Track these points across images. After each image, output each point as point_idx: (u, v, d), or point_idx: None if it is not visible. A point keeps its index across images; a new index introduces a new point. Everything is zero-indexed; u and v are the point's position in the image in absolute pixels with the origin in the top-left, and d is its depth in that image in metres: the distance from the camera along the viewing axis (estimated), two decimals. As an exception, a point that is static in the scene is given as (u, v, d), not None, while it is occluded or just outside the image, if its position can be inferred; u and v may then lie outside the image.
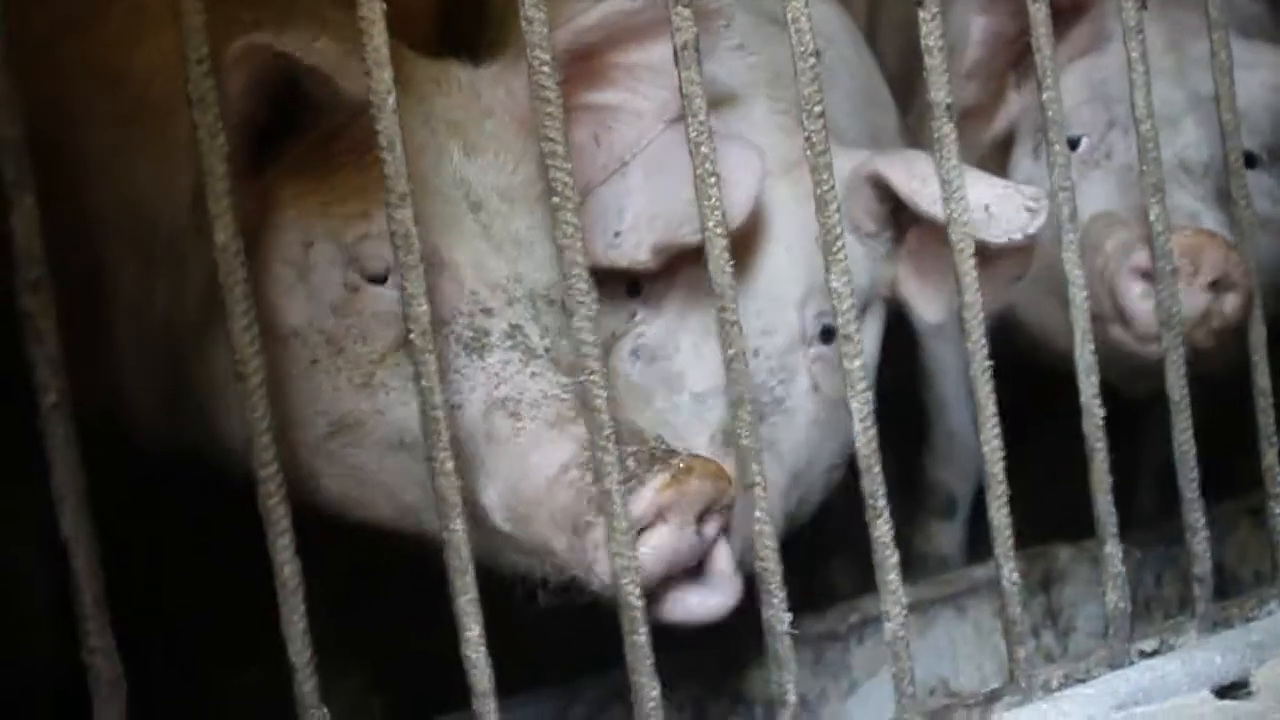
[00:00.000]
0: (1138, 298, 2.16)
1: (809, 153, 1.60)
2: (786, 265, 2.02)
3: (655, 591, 1.62)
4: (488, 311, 1.74)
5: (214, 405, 1.82)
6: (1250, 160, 2.10)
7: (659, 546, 1.60)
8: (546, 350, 1.73)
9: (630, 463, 1.59)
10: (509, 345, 1.73)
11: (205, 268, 1.58)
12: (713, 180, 1.54)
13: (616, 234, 1.97)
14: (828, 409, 2.02)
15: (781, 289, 2.01)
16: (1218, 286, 2.14)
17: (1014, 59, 2.40)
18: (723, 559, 1.69)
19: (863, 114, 2.35)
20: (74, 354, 1.31)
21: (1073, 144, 2.36)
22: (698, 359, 1.98)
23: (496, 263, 1.77)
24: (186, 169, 1.68)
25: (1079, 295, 1.78)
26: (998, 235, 1.86)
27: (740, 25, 2.16)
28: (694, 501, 1.61)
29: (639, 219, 1.96)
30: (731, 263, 1.57)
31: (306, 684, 1.45)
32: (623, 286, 2.03)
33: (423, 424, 1.46)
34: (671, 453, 1.63)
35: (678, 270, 1.99)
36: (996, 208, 1.88)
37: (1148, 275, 2.10)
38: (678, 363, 1.99)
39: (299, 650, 1.44)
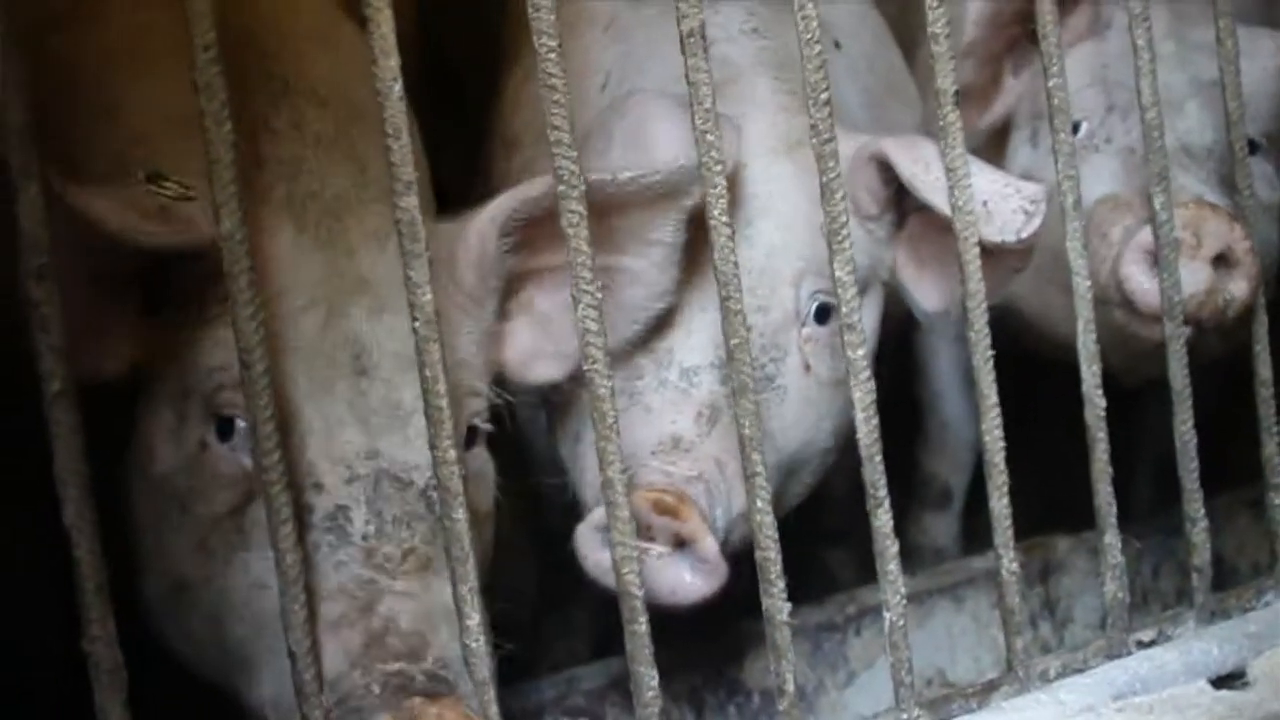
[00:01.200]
0: (1142, 278, 2.16)
1: (814, 140, 1.60)
2: (782, 242, 2.00)
3: None
4: (318, 487, 1.63)
5: None
6: (1251, 147, 2.09)
7: None
8: (364, 539, 1.62)
9: (375, 688, 1.51)
10: (326, 528, 1.62)
11: None
12: (718, 169, 1.53)
13: None
14: (819, 389, 2.01)
15: (777, 266, 2.00)
16: (1222, 263, 2.14)
17: (1011, 44, 2.40)
18: None
19: (882, 107, 2.34)
20: None
21: (1073, 128, 2.36)
22: (687, 335, 1.96)
23: (353, 435, 1.66)
24: None
25: (1082, 283, 1.78)
26: (992, 235, 1.84)
27: (759, 13, 2.16)
28: None
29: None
30: (735, 253, 1.57)
31: (307, 672, 1.45)
32: None
33: (427, 412, 1.46)
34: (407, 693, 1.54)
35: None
36: (994, 205, 1.87)
37: (1152, 256, 2.10)
38: (668, 338, 1.97)
39: (299, 639, 1.44)
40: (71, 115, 1.80)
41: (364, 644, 1.53)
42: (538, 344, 1.86)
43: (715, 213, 1.55)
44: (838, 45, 2.27)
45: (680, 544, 1.81)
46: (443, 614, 1.57)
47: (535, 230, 1.78)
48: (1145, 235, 2.10)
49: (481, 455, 1.77)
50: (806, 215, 1.96)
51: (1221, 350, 2.15)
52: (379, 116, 1.41)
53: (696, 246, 1.82)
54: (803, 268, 2.00)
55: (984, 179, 1.86)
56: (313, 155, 1.78)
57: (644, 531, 1.75)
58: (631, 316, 1.89)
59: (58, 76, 1.81)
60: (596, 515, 1.79)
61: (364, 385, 1.68)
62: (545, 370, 1.87)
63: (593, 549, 1.83)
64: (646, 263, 1.86)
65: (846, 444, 1.91)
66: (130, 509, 1.74)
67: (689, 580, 1.81)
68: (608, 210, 1.75)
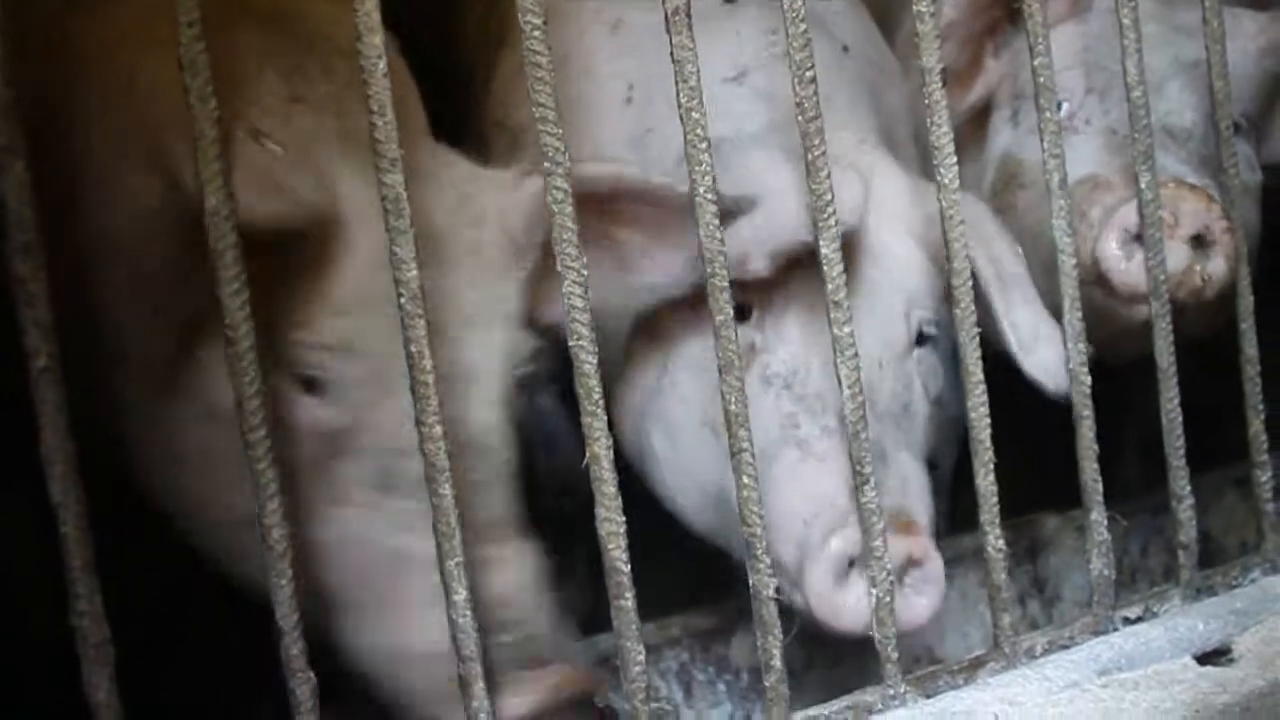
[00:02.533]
0: (1120, 259, 2.17)
1: (800, 118, 1.60)
2: (886, 277, 2.02)
3: None
4: (399, 452, 1.65)
5: None
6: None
7: None
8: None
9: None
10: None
11: None
12: (704, 146, 1.53)
13: None
14: (933, 405, 2.06)
15: (890, 300, 2.02)
16: (1200, 243, 2.15)
17: (990, 25, 2.39)
18: None
19: (884, 101, 2.33)
20: None
21: (1055, 108, 2.37)
22: (833, 379, 1.94)
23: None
24: None
25: (1068, 262, 1.78)
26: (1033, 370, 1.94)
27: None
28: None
29: (743, 229, 1.90)
30: (719, 230, 1.57)
31: (294, 647, 1.45)
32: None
33: (413, 388, 1.46)
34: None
35: (789, 291, 1.97)
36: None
37: (1132, 236, 2.11)
38: (812, 385, 1.95)
39: (286, 614, 1.45)
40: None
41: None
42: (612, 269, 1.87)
43: (701, 190, 1.55)
44: (846, 50, 2.27)
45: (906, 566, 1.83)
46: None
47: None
48: (1123, 215, 2.11)
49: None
50: (891, 246, 2.02)
51: (1204, 329, 2.15)
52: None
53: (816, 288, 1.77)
54: (909, 296, 2.03)
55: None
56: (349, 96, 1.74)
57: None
58: (638, 296, 1.93)
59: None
60: (835, 549, 1.81)
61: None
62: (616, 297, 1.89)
63: (829, 588, 1.82)
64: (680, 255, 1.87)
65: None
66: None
67: (923, 603, 1.85)
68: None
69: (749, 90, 2.13)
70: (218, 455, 1.68)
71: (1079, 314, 1.79)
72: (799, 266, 1.86)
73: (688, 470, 2.04)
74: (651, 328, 2.05)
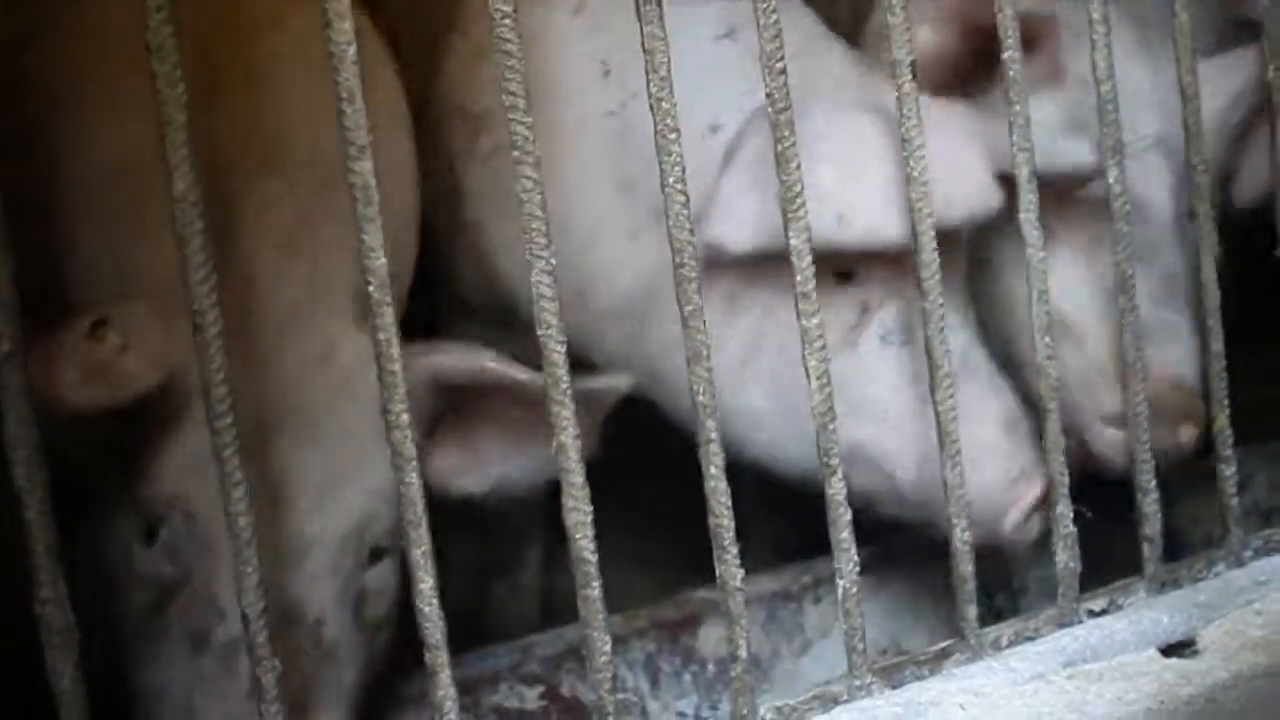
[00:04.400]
0: (1107, 445, 2.25)
1: (770, 110, 1.60)
2: None
3: None
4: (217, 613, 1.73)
5: None
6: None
7: None
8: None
9: None
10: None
11: None
12: (674, 136, 1.53)
13: (839, 216, 1.95)
14: None
15: None
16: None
17: (964, 78, 2.34)
18: None
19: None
20: None
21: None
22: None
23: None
24: None
25: (1035, 254, 1.79)
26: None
27: None
28: None
29: (873, 195, 1.95)
30: (689, 220, 1.57)
31: (260, 635, 1.45)
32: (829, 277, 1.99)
33: (380, 376, 1.46)
34: None
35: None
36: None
37: (1116, 421, 2.17)
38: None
39: (252, 601, 1.45)
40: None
41: None
42: (465, 461, 1.90)
43: (670, 180, 1.55)
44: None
45: None
46: None
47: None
48: (1111, 405, 2.19)
49: (385, 570, 1.82)
50: None
51: None
52: None
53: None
54: None
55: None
56: None
57: None
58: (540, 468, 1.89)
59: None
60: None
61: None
62: (468, 485, 1.91)
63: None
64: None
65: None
66: None
67: None
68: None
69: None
70: None
71: (1045, 306, 1.79)
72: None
73: (790, 418, 2.06)
74: (750, 276, 2.07)
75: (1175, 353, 2.24)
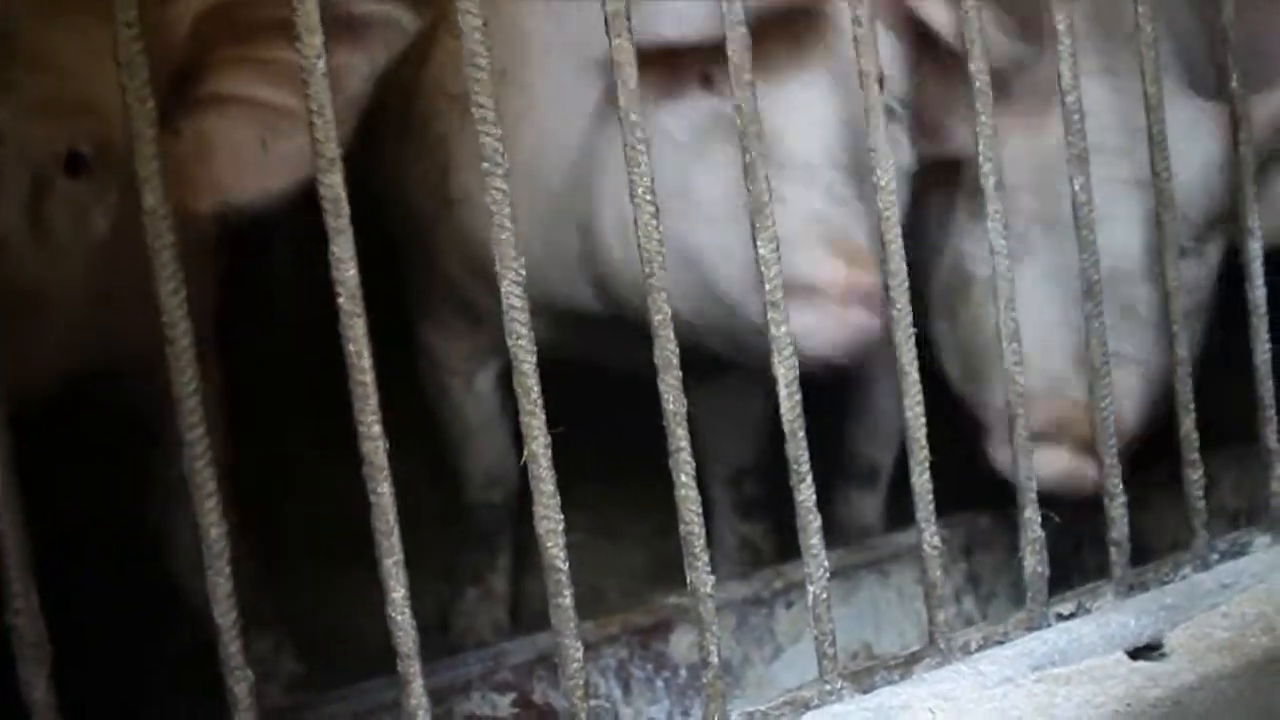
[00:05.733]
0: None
1: (739, 121, 1.61)
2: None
3: None
4: None
5: None
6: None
7: None
8: None
9: None
10: None
11: None
12: (641, 148, 1.54)
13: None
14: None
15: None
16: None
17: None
18: None
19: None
20: None
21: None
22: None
23: None
24: None
25: (1002, 263, 1.80)
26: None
27: None
28: None
29: None
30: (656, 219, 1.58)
31: (232, 645, 1.45)
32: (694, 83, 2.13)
33: (351, 387, 1.47)
34: None
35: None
36: None
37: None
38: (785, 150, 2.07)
39: (224, 612, 1.44)
40: None
41: None
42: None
43: (640, 191, 1.55)
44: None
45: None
46: None
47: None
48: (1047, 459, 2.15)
49: (83, 191, 1.75)
50: None
51: None
52: None
53: None
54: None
55: None
56: None
57: None
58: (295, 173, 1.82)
59: None
60: None
61: None
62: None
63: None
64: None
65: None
66: None
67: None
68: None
69: None
70: None
71: (1012, 313, 1.80)
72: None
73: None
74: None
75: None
